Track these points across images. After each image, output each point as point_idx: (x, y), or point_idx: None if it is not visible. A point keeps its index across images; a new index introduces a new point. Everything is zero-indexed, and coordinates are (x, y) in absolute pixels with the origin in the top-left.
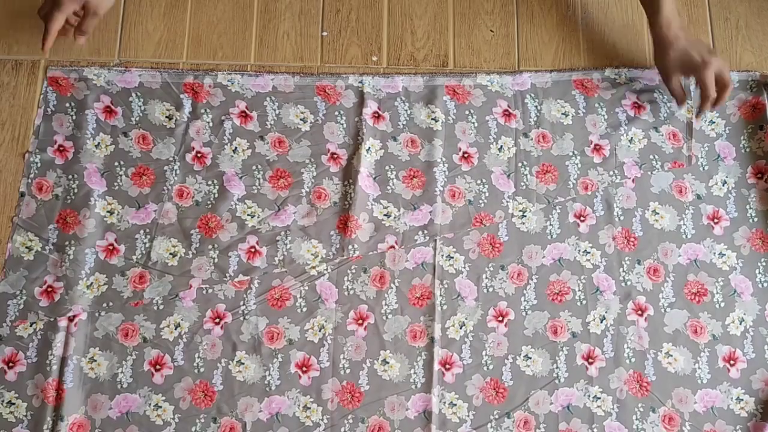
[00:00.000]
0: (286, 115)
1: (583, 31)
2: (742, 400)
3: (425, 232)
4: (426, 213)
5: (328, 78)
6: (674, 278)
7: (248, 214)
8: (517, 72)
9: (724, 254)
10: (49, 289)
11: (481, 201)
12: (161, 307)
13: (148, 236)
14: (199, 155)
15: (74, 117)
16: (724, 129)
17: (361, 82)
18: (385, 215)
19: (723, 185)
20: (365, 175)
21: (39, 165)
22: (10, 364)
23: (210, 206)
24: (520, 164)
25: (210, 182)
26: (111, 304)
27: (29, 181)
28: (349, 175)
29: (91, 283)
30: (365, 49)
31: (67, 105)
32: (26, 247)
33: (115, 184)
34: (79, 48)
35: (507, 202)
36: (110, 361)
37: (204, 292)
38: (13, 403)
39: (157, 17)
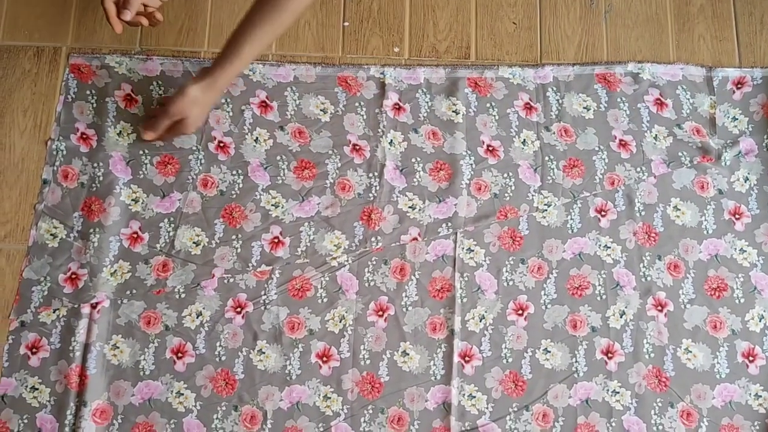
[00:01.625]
0: (306, 106)
1: (606, 25)
2: (761, 396)
3: (448, 224)
4: (451, 205)
5: (350, 69)
6: (695, 274)
7: (272, 204)
8: (540, 65)
9: (745, 250)
10: (73, 276)
11: (506, 194)
12: (183, 295)
13: (173, 225)
14: (221, 144)
15: (95, 105)
16: (747, 126)
17: (382, 73)
18: (410, 207)
19: (745, 182)
20: (392, 167)
21: (64, 153)
22: (34, 350)
23: (234, 196)
24: (546, 158)
25: (235, 172)
26: (134, 291)
27: (54, 168)
28: (374, 167)
29: (115, 270)
30: (387, 39)
31: (88, 93)
32: (51, 234)
33: (140, 172)
34: (100, 35)
35: (532, 195)
36: (133, 348)
37: (226, 281)
38: (37, 389)
39: (179, 5)
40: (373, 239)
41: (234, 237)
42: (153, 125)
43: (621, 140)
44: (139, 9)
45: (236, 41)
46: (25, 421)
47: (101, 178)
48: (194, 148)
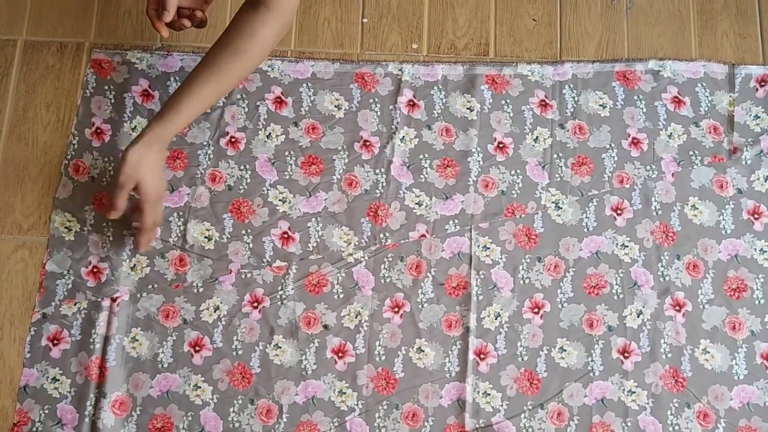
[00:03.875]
0: (320, 102)
1: (627, 22)
2: None
3: (456, 221)
4: (458, 203)
5: (368, 65)
6: (714, 275)
7: (279, 200)
8: (559, 62)
9: (766, 251)
10: (95, 270)
11: (514, 192)
12: (201, 289)
13: (182, 219)
14: (233, 140)
15: (112, 100)
16: None
17: (400, 70)
18: (416, 204)
19: (765, 181)
20: (398, 164)
21: (76, 147)
22: (55, 342)
23: (242, 191)
24: (555, 155)
25: (243, 167)
26: (156, 285)
27: (66, 162)
28: (381, 163)
29: (134, 264)
30: (405, 36)
31: (106, 88)
32: (66, 228)
33: None
34: (122, 31)
35: (540, 193)
36: (151, 341)
37: (243, 276)
38: (58, 380)
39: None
40: (381, 235)
41: (244, 232)
42: (111, 203)
43: (634, 138)
44: (184, 13)
45: (176, 98)
46: (46, 411)
47: (111, 173)
48: (205, 143)
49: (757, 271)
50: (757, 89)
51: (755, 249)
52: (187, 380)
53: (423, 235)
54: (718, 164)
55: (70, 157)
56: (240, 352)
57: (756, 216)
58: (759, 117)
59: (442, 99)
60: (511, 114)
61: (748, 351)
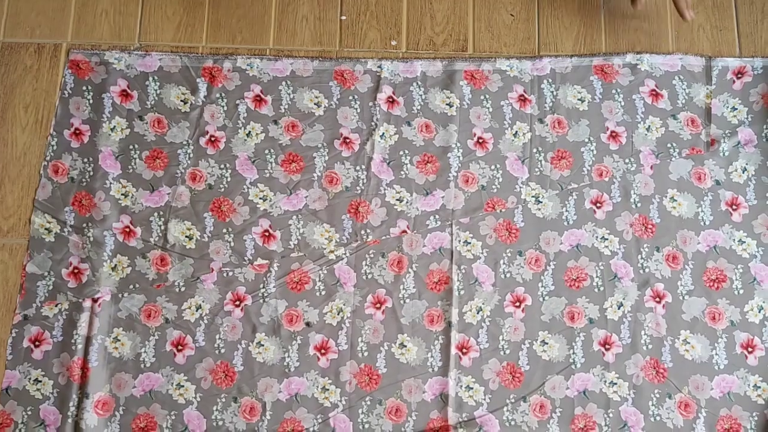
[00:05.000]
0: (300, 100)
1: (605, 16)
2: (759, 387)
3: (437, 217)
4: (438, 198)
5: (347, 62)
6: (693, 266)
7: (260, 198)
8: (537, 57)
9: (744, 241)
10: (76, 271)
11: (494, 186)
12: (183, 288)
13: (162, 219)
14: (212, 139)
15: (91, 101)
16: (746, 116)
17: (380, 66)
18: (397, 200)
19: (743, 172)
20: (379, 160)
21: (55, 148)
22: (37, 343)
23: (223, 190)
24: (534, 150)
25: (223, 166)
26: (137, 285)
27: (45, 163)
28: (361, 160)
29: (115, 265)
30: (384, 33)
31: (84, 88)
32: (45, 229)
33: (129, 167)
34: (99, 32)
35: (520, 187)
36: (133, 341)
37: (225, 274)
38: (40, 381)
39: (177, 1)
40: (362, 232)
41: (225, 231)
42: None
43: (613, 131)
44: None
45: None
46: (29, 413)
47: (91, 173)
48: (185, 142)
49: (736, 261)
50: (734, 81)
51: (734, 240)
52: (170, 379)
53: (404, 231)
54: (696, 156)
55: (50, 159)
56: (222, 351)
57: (734, 207)
58: (736, 109)
59: (421, 95)
60: (491, 109)
61: (728, 341)
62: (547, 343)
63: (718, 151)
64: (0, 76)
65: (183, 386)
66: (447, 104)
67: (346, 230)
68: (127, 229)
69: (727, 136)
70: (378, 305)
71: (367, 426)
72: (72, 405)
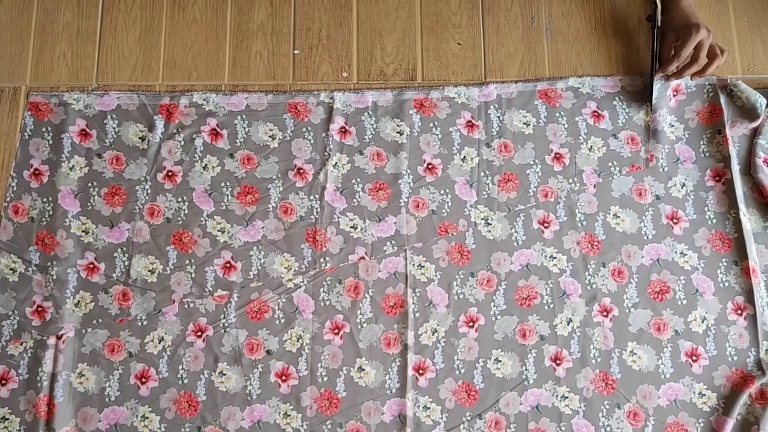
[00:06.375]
0: (255, 133)
1: (547, 42)
2: (704, 395)
3: (393, 242)
4: (391, 224)
5: (301, 95)
6: (638, 279)
7: (218, 230)
8: (484, 83)
9: (686, 254)
10: (39, 309)
11: (444, 210)
12: (145, 322)
13: (126, 254)
14: (170, 174)
15: (50, 141)
16: (683, 133)
17: (332, 97)
18: (351, 227)
19: (682, 187)
20: (332, 189)
21: (15, 189)
22: (3, 382)
23: (180, 222)
24: (482, 174)
25: (180, 199)
26: (100, 320)
27: (6, 204)
28: (315, 190)
29: (78, 301)
30: (336, 65)
31: (44, 129)
32: (10, 269)
33: (88, 204)
34: (58, 74)
35: (469, 210)
36: (98, 375)
37: (186, 306)
38: (7, 419)
39: (133, 41)
40: (321, 260)
41: (188, 262)
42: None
43: (557, 153)
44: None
45: None
46: None
47: (51, 212)
48: (142, 178)
49: (678, 273)
50: (671, 98)
51: (675, 252)
52: (135, 412)
53: (362, 258)
54: (636, 173)
55: (10, 199)
56: (186, 381)
57: (675, 221)
58: (673, 126)
59: (372, 124)
60: (440, 136)
61: (673, 350)
62: (500, 361)
63: (658, 167)
64: None
65: (148, 418)
66: (398, 132)
67: (306, 259)
68: (91, 266)
69: (666, 151)
70: (336, 331)
71: None
72: None
